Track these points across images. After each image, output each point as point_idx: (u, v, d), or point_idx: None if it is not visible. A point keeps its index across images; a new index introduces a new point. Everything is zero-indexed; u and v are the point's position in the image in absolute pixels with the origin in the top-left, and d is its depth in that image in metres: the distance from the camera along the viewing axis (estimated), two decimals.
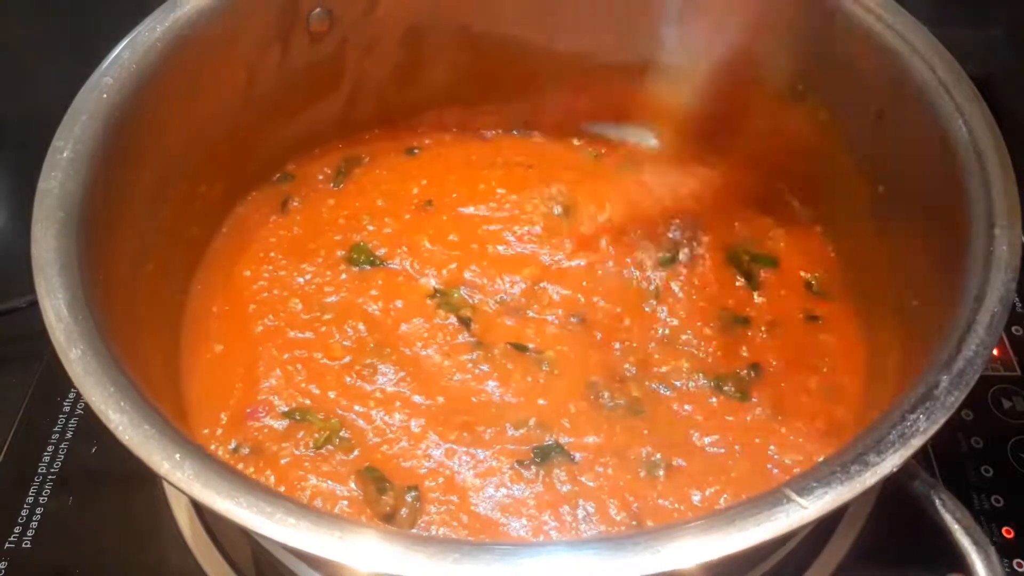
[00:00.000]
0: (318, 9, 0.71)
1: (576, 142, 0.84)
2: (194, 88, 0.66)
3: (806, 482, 0.42)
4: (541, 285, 0.71)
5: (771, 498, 0.42)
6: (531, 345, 0.67)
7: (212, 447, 0.62)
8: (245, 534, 0.66)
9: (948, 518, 0.48)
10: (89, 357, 0.48)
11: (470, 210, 0.76)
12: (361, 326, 0.68)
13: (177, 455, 0.44)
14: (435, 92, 0.81)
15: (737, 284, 0.72)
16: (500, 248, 0.73)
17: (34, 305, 0.50)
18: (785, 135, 0.75)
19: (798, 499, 0.42)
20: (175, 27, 0.63)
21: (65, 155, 0.55)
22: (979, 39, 0.87)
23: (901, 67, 0.62)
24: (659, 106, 0.81)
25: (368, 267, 0.72)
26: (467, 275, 0.71)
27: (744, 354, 0.67)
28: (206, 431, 0.62)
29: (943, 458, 0.71)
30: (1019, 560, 0.66)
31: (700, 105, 0.79)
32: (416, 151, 0.82)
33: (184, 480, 0.43)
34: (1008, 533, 0.67)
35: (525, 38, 0.79)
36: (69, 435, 0.73)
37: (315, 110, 0.77)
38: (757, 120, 0.76)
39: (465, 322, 0.68)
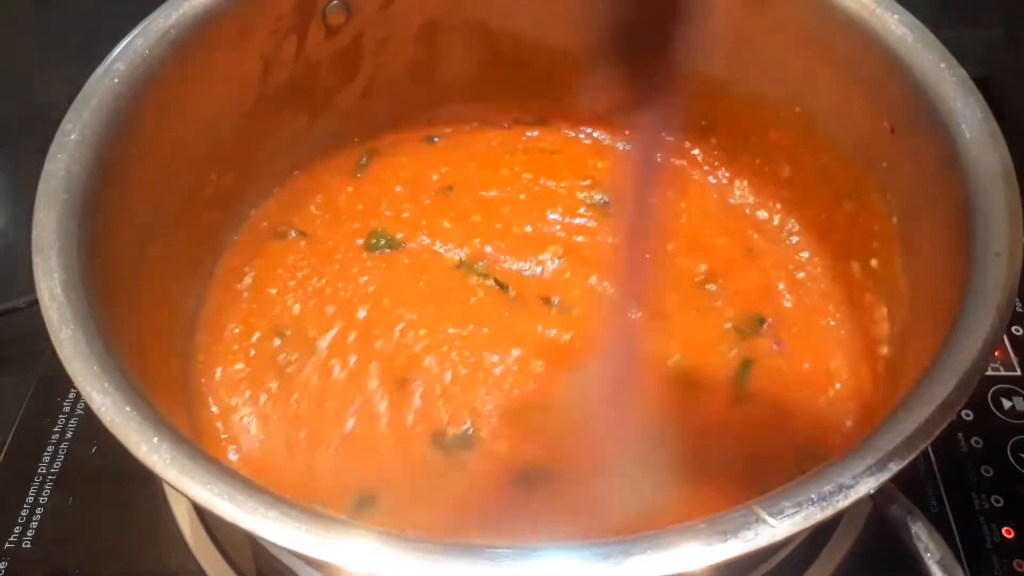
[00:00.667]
0: (335, 1, 0.71)
1: (600, 133, 0.84)
2: (206, 77, 0.66)
3: (777, 501, 0.42)
4: (565, 262, 0.71)
5: (741, 515, 0.41)
6: (557, 299, 0.69)
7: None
8: (245, 533, 0.66)
9: (921, 547, 0.47)
10: (79, 337, 0.48)
11: (493, 193, 0.77)
12: (386, 301, 0.69)
13: (155, 439, 0.44)
14: (453, 87, 0.81)
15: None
16: (527, 228, 0.74)
17: (34, 305, 0.50)
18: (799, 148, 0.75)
19: (768, 518, 0.41)
20: (189, 14, 0.63)
21: (73, 137, 0.56)
22: (979, 39, 0.87)
23: (907, 72, 0.62)
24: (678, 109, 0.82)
25: (388, 250, 0.72)
26: (489, 249, 0.72)
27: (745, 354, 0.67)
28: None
29: (943, 458, 0.71)
30: (1019, 560, 0.66)
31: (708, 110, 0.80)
32: (436, 139, 0.82)
33: (160, 464, 0.43)
34: (1008, 533, 0.67)
35: (545, 35, 0.79)
36: (69, 435, 0.73)
37: (332, 101, 0.77)
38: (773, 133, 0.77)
39: (500, 284, 0.69)
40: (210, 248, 0.72)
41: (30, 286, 0.50)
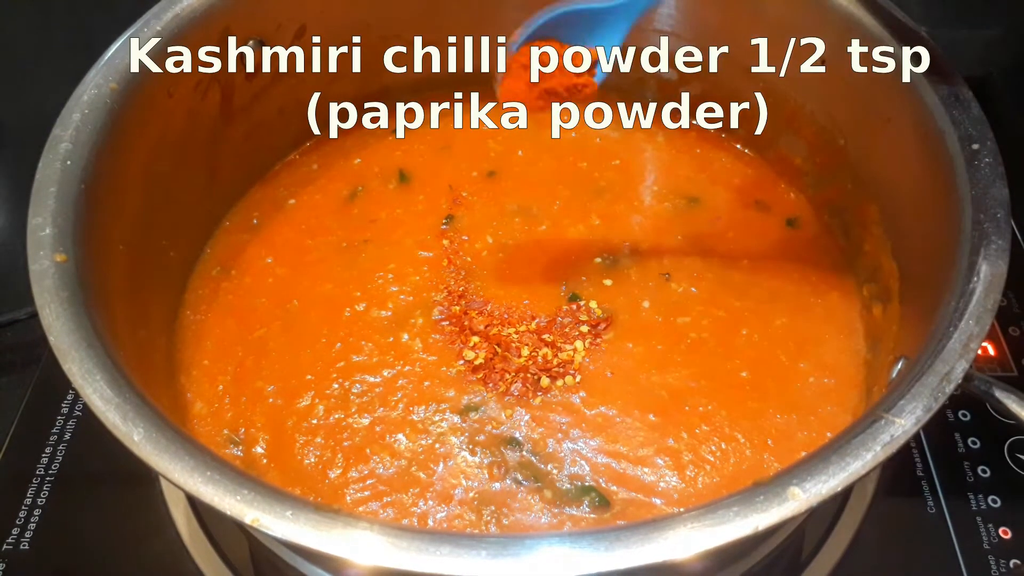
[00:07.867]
0: (250, 42, 0.71)
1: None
2: (151, 132, 0.65)
3: (895, 402, 0.46)
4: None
5: (772, 488, 0.42)
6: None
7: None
8: (242, 532, 0.66)
9: (1010, 402, 0.51)
10: (70, 319, 0.49)
11: None
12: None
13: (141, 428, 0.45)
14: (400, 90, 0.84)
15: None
16: None
17: (34, 317, 0.50)
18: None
19: (894, 419, 0.45)
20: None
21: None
22: (978, 39, 0.87)
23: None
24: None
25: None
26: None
27: (744, 332, 0.68)
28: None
29: (940, 458, 0.71)
30: (1016, 560, 0.66)
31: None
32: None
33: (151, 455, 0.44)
34: (1005, 534, 0.67)
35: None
36: (67, 436, 0.73)
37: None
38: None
39: None
40: (199, 237, 0.73)
41: (30, 297, 0.50)
